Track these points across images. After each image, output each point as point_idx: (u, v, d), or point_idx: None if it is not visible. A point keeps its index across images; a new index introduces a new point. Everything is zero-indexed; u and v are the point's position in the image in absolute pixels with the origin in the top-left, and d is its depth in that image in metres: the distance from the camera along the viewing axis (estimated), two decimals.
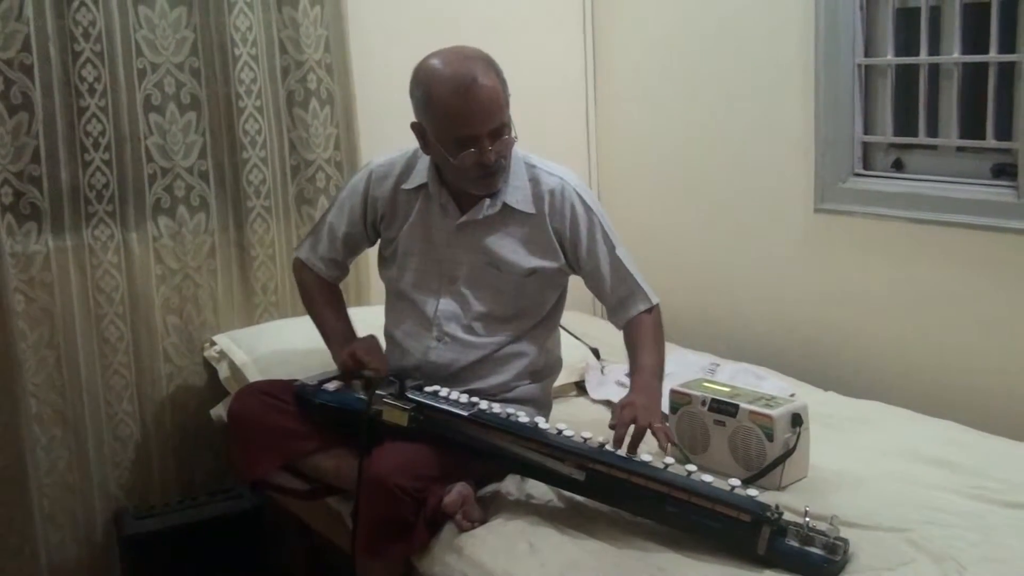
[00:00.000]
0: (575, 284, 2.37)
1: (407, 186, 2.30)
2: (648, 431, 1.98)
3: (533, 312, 2.32)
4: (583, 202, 2.26)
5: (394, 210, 2.33)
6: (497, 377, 2.28)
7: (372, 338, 2.34)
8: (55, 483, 2.75)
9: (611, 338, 2.94)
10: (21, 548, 2.73)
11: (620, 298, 2.27)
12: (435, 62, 2.12)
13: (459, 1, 3.23)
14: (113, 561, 2.79)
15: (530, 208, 2.24)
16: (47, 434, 2.72)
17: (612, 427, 2.02)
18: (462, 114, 2.08)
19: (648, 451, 1.98)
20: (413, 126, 2.20)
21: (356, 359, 2.21)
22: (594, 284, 2.30)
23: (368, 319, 2.48)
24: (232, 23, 2.80)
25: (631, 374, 2.22)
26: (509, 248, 2.25)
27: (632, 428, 1.98)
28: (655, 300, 2.29)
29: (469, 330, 2.28)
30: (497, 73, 2.13)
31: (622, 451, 1.96)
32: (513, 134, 2.17)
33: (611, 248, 2.26)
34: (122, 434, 2.83)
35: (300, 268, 2.48)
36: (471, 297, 2.28)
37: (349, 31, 2.99)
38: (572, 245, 2.26)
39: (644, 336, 2.24)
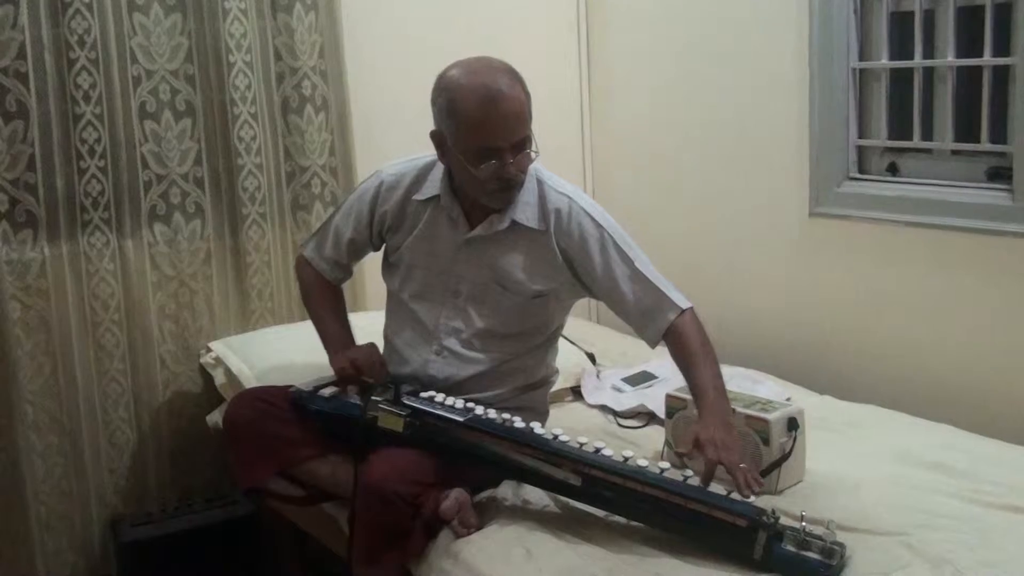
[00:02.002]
0: None
1: (418, 197, 2.27)
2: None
3: (536, 332, 2.29)
4: (592, 220, 2.20)
5: (401, 220, 2.30)
6: (495, 390, 2.26)
7: (372, 346, 2.31)
8: (52, 490, 2.75)
9: (607, 343, 2.96)
10: (18, 555, 2.72)
11: (643, 311, 2.17)
12: (461, 71, 2.09)
13: (453, 7, 3.23)
14: (110, 568, 2.79)
15: (537, 225, 2.20)
16: (43, 441, 2.72)
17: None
18: (486, 125, 2.05)
19: (643, 456, 1.99)
20: (432, 135, 2.16)
21: (356, 367, 2.21)
22: (614, 303, 2.21)
23: (364, 325, 2.47)
24: (226, 30, 2.80)
25: (693, 397, 2.08)
26: (516, 266, 2.21)
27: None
28: (685, 304, 2.16)
29: (469, 345, 2.25)
30: (523, 86, 2.10)
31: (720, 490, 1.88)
32: (535, 149, 2.13)
33: (629, 262, 2.18)
34: (118, 441, 2.83)
35: (303, 265, 2.46)
36: (473, 313, 2.25)
37: (343, 37, 2.99)
38: (583, 265, 2.20)
39: (689, 346, 2.11)
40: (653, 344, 2.20)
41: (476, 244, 2.23)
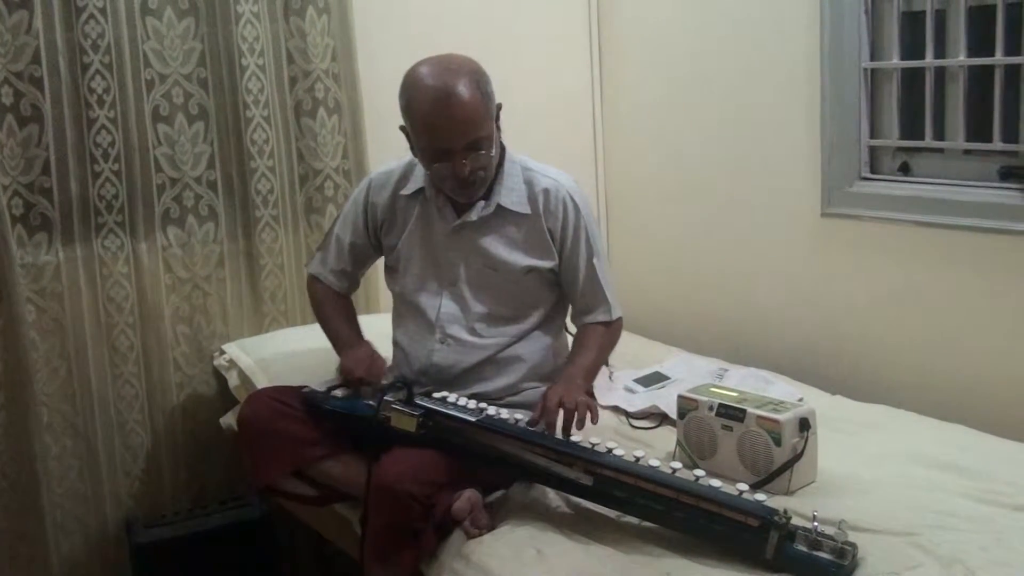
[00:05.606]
0: None
1: (405, 192, 2.34)
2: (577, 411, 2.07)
3: (533, 312, 2.34)
4: (574, 203, 2.30)
5: (393, 217, 2.36)
6: (503, 379, 2.29)
7: (367, 347, 2.35)
8: (66, 492, 2.77)
9: (620, 344, 2.94)
10: (33, 557, 2.74)
11: (586, 303, 2.34)
12: (420, 70, 2.15)
13: (466, 10, 3.24)
14: (124, 570, 2.80)
15: (525, 208, 2.27)
16: (58, 444, 2.74)
17: (533, 422, 2.06)
18: (435, 127, 2.11)
19: (655, 456, 1.99)
20: (401, 129, 2.23)
21: (349, 372, 2.25)
22: (567, 280, 2.34)
23: (377, 327, 2.50)
24: (239, 34, 2.82)
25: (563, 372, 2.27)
26: (504, 249, 2.28)
27: (562, 412, 2.05)
28: (616, 315, 2.35)
29: (471, 331, 2.30)
30: (480, 87, 2.12)
31: (559, 434, 2.04)
32: (494, 151, 2.19)
33: (590, 255, 2.31)
34: (133, 443, 2.84)
35: (312, 282, 2.51)
36: (471, 298, 2.30)
37: (356, 40, 3.00)
38: (560, 242, 2.30)
39: (589, 340, 2.31)
40: (577, 327, 2.39)
41: (465, 231, 2.28)
